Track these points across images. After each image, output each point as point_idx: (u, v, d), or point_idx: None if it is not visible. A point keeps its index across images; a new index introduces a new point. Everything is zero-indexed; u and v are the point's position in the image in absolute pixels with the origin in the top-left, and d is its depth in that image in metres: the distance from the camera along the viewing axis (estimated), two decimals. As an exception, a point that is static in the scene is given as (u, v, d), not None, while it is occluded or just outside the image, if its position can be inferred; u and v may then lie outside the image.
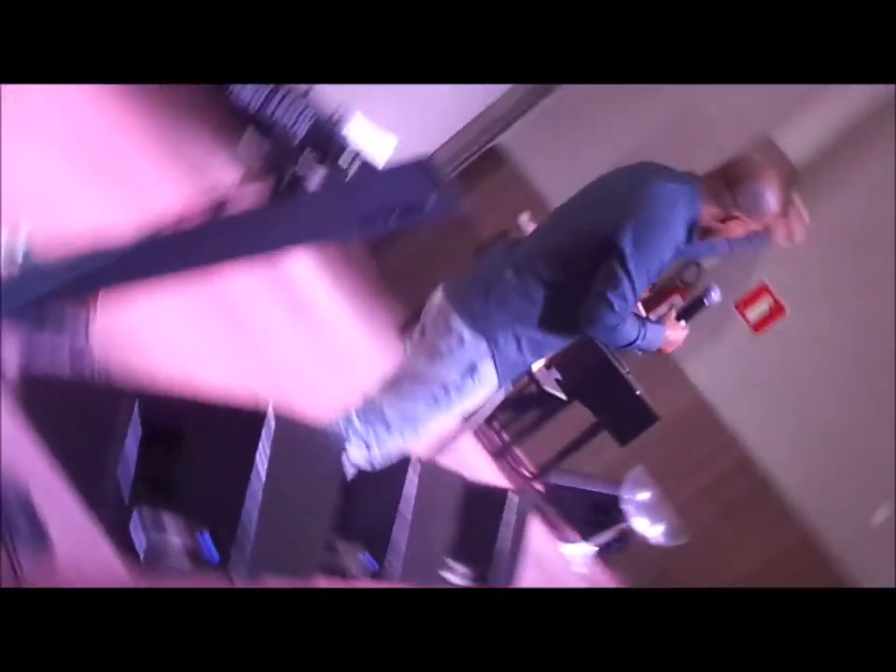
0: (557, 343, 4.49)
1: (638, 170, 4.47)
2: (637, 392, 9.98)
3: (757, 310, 11.66)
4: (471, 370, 4.40)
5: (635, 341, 4.39)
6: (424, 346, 4.47)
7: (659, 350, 4.52)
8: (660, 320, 4.54)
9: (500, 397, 5.66)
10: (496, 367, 4.41)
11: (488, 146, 11.82)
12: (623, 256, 4.23)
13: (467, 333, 4.39)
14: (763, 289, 11.63)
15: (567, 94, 11.62)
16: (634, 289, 4.25)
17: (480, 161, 11.90)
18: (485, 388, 4.46)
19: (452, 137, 11.36)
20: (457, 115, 11.16)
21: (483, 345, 4.39)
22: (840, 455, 11.21)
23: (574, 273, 4.34)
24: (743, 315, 11.61)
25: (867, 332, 11.18)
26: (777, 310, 11.59)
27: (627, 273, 4.23)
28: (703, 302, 4.87)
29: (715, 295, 4.84)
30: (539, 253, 4.45)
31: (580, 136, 11.74)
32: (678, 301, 10.76)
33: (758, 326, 11.60)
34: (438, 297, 4.50)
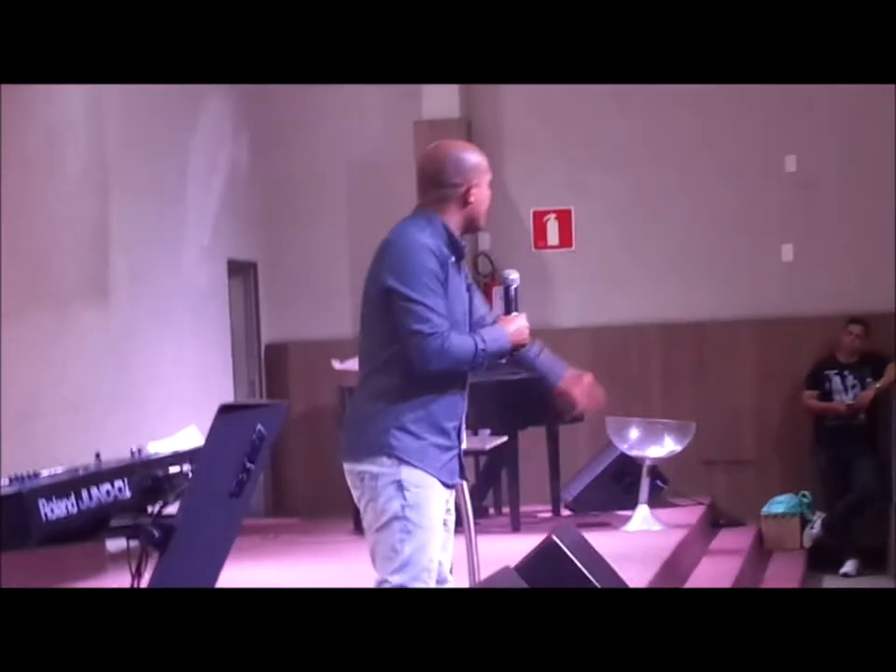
0: (442, 404, 4.49)
1: None
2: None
3: (551, 233, 11.72)
4: (400, 485, 4.39)
5: (479, 349, 4.45)
6: (363, 513, 4.48)
7: (517, 346, 4.56)
8: (493, 324, 4.62)
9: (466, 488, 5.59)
10: (414, 466, 4.41)
11: (261, 352, 11.87)
12: (394, 289, 4.39)
13: (368, 466, 4.42)
14: (537, 215, 11.72)
15: (267, 269, 11.72)
16: (427, 306, 4.36)
17: (269, 364, 11.92)
18: (431, 489, 4.43)
19: (233, 372, 11.36)
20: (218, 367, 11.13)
21: (386, 461, 4.40)
22: (720, 242, 11.29)
23: (394, 339, 4.42)
24: (549, 247, 11.68)
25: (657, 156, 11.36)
26: (563, 216, 11.67)
27: (408, 298, 4.37)
28: (511, 290, 4.80)
29: (513, 275, 4.81)
30: (362, 362, 4.57)
31: (311, 285, 11.83)
32: (499, 291, 10.80)
33: (565, 241, 11.67)
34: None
